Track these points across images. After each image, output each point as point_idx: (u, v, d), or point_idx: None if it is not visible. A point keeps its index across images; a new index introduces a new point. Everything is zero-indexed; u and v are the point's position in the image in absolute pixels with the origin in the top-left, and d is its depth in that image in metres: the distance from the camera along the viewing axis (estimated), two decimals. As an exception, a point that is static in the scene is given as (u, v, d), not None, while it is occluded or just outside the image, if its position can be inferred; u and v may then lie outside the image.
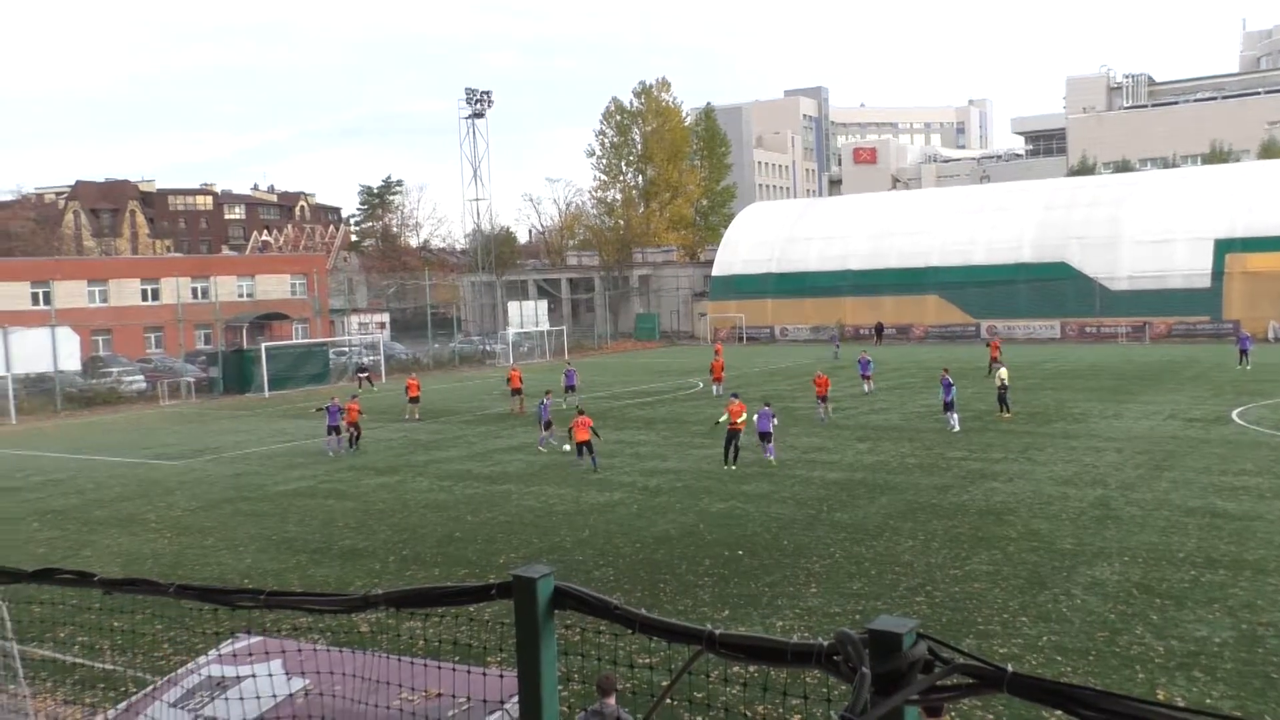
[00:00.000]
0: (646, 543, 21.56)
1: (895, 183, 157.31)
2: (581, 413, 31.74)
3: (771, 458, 30.10)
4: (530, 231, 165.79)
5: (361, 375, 59.84)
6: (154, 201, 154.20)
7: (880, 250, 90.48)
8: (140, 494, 30.32)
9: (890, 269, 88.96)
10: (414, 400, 44.79)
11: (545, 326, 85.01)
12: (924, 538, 20.87)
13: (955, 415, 35.28)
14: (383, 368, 68.80)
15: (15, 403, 54.38)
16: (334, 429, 36.37)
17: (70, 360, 57.40)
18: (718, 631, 2.95)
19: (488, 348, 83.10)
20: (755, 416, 31.74)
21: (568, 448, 33.79)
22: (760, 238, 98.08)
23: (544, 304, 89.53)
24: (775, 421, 30.93)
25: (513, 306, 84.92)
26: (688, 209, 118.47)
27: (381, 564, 20.95)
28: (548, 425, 35.06)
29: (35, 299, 71.41)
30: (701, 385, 52.31)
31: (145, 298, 78.06)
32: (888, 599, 17.01)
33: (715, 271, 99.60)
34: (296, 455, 36.27)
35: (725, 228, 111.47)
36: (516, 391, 46.47)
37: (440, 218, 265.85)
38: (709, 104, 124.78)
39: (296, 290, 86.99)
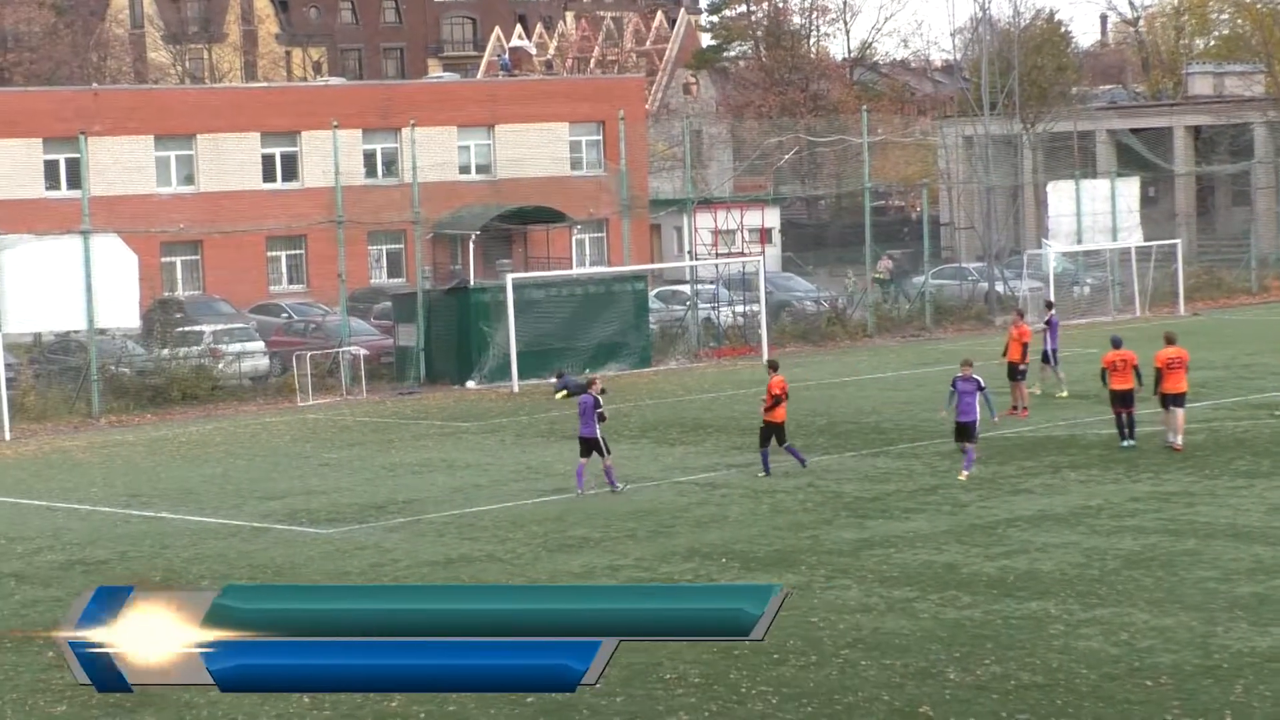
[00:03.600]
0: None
1: None
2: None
3: None
4: (1104, 25, 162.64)
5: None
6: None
7: None
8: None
9: None
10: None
11: (1132, 240, 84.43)
12: None
13: None
14: (763, 329, 70.38)
15: (8, 398, 55.95)
16: None
17: (122, 309, 59.39)
18: None
19: (1004, 286, 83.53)
20: None
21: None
22: None
23: (1131, 185, 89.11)
24: None
25: (1057, 190, 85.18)
26: None
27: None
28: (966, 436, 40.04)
29: (49, 172, 76.36)
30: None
31: (271, 174, 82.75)
32: None
33: None
34: (578, 517, 37.63)
35: None
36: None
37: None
38: None
39: (584, 159, 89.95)
